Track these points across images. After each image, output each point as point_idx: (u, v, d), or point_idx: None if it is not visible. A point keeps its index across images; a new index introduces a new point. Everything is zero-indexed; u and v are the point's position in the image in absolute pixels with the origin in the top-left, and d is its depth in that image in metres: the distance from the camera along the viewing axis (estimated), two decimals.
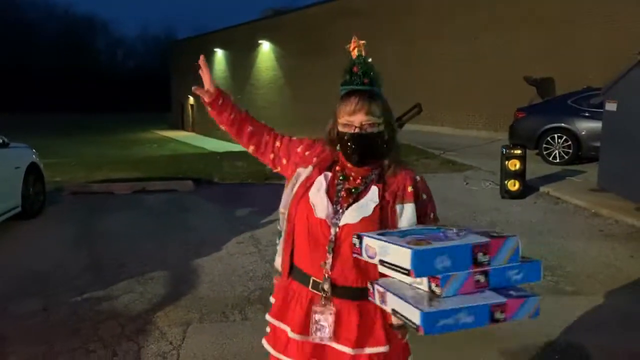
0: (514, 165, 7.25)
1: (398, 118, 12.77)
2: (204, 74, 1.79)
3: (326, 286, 1.57)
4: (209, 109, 1.81)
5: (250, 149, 1.84)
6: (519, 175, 7.27)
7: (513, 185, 7.23)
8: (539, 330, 3.51)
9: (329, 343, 1.58)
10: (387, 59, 14.80)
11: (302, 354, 1.61)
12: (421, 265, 1.24)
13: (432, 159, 10.36)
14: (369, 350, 1.57)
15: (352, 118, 1.58)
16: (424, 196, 1.65)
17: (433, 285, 1.27)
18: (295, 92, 23.42)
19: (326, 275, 1.57)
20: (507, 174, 7.26)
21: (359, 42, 1.66)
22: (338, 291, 1.58)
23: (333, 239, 1.57)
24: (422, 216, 1.62)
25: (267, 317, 1.72)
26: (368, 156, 1.60)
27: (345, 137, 1.59)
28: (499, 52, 13.74)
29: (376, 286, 1.43)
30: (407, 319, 1.28)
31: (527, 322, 3.58)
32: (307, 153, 1.74)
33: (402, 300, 1.30)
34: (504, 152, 7.31)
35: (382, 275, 1.46)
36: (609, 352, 3.21)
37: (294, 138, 1.82)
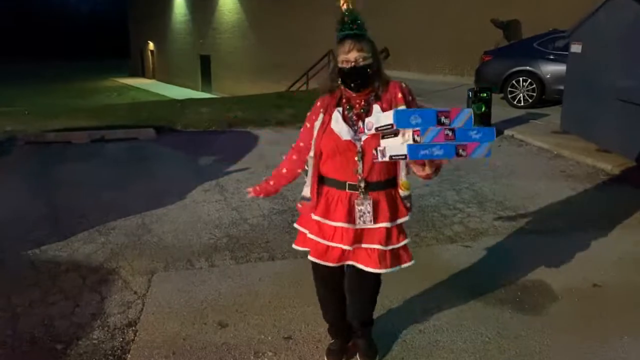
0: (480, 108, 7.25)
1: None
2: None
3: (362, 184, 2.14)
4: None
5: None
6: (485, 117, 7.29)
7: None
8: (503, 266, 3.60)
9: (371, 226, 2.16)
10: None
11: (347, 239, 2.18)
12: (400, 120, 1.74)
13: None
14: (399, 221, 2.23)
15: (348, 56, 2.07)
16: (410, 97, 2.16)
17: (415, 136, 1.72)
18: (260, 37, 22.67)
19: (360, 177, 2.13)
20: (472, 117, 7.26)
21: None
22: (371, 186, 2.15)
23: (360, 150, 2.10)
24: None
25: (313, 216, 2.23)
26: (362, 83, 2.10)
27: (345, 71, 2.09)
28: None
29: (378, 148, 1.89)
30: (399, 155, 1.77)
31: (494, 260, 3.65)
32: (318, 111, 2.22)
33: (395, 146, 1.78)
34: (470, 95, 7.29)
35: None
36: (568, 286, 3.31)
37: (305, 123, 2.29)
